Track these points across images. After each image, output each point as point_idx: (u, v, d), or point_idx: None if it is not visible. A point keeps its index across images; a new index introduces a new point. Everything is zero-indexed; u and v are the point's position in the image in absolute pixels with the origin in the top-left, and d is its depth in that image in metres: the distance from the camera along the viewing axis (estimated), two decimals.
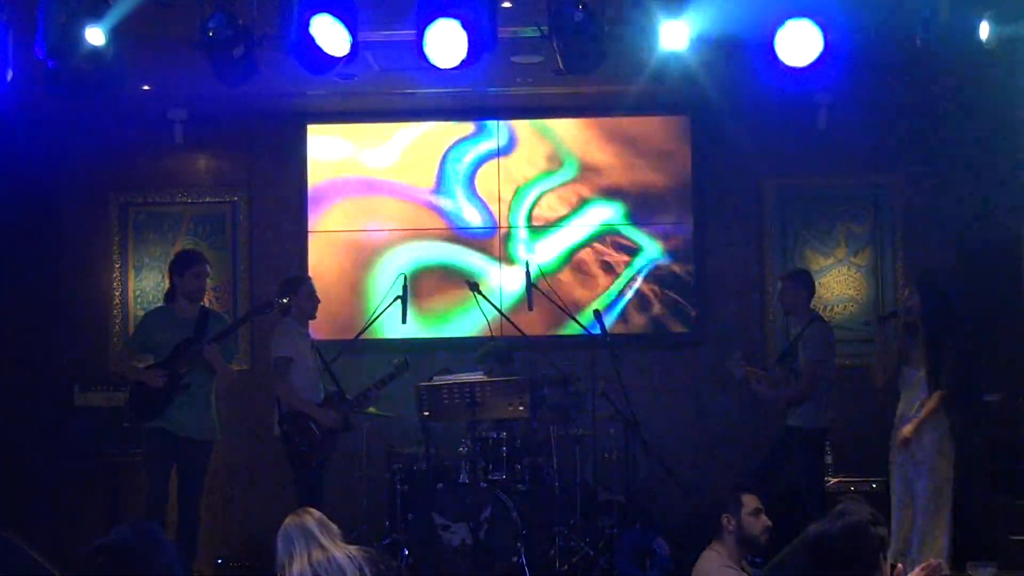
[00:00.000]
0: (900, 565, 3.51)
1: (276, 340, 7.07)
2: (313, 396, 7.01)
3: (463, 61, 5.64)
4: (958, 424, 6.67)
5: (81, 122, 8.34)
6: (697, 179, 8.58)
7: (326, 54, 5.61)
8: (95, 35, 5.54)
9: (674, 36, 5.87)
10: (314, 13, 5.53)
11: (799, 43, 5.72)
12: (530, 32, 6.04)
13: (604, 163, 8.60)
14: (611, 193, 8.59)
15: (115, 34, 5.59)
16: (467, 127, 8.63)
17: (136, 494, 7.27)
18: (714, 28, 5.89)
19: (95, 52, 5.56)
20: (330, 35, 5.59)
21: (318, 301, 7.24)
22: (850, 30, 5.73)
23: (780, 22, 5.71)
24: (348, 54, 5.63)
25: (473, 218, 8.62)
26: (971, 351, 6.61)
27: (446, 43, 5.60)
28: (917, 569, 3.49)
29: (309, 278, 7.34)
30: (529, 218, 8.61)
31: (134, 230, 8.63)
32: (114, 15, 5.54)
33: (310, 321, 7.23)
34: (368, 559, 3.80)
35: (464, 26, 5.54)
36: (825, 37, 5.68)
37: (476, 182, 8.61)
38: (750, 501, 4.74)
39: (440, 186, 8.63)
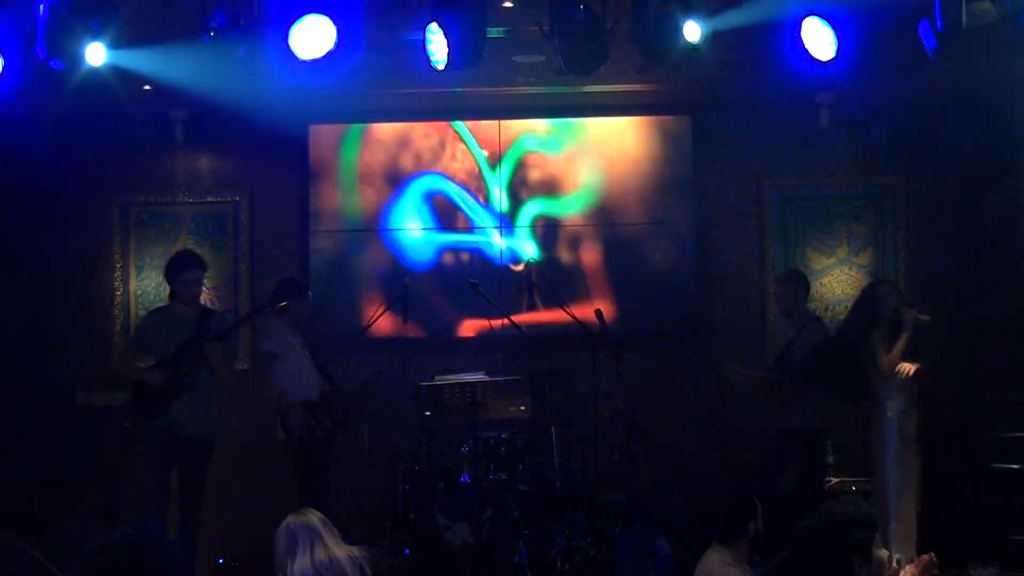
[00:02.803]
0: (896, 565, 3.51)
1: (265, 337, 7.11)
2: (303, 394, 7.01)
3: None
4: None
5: (82, 122, 8.33)
6: (697, 179, 8.57)
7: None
8: (96, 53, 5.57)
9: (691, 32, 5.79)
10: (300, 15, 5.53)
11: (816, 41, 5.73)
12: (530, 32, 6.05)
13: (604, 163, 8.59)
14: (610, 193, 8.57)
15: (117, 34, 5.61)
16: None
17: (137, 494, 7.26)
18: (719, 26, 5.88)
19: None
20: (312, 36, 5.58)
21: (311, 318, 7.36)
22: (853, 29, 5.73)
23: (793, 20, 5.69)
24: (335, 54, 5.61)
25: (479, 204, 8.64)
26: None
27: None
28: (910, 566, 3.49)
29: (309, 295, 7.38)
30: (522, 212, 8.61)
31: (135, 230, 8.62)
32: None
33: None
34: (370, 559, 3.81)
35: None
36: (837, 37, 5.67)
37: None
38: (757, 503, 4.80)
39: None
